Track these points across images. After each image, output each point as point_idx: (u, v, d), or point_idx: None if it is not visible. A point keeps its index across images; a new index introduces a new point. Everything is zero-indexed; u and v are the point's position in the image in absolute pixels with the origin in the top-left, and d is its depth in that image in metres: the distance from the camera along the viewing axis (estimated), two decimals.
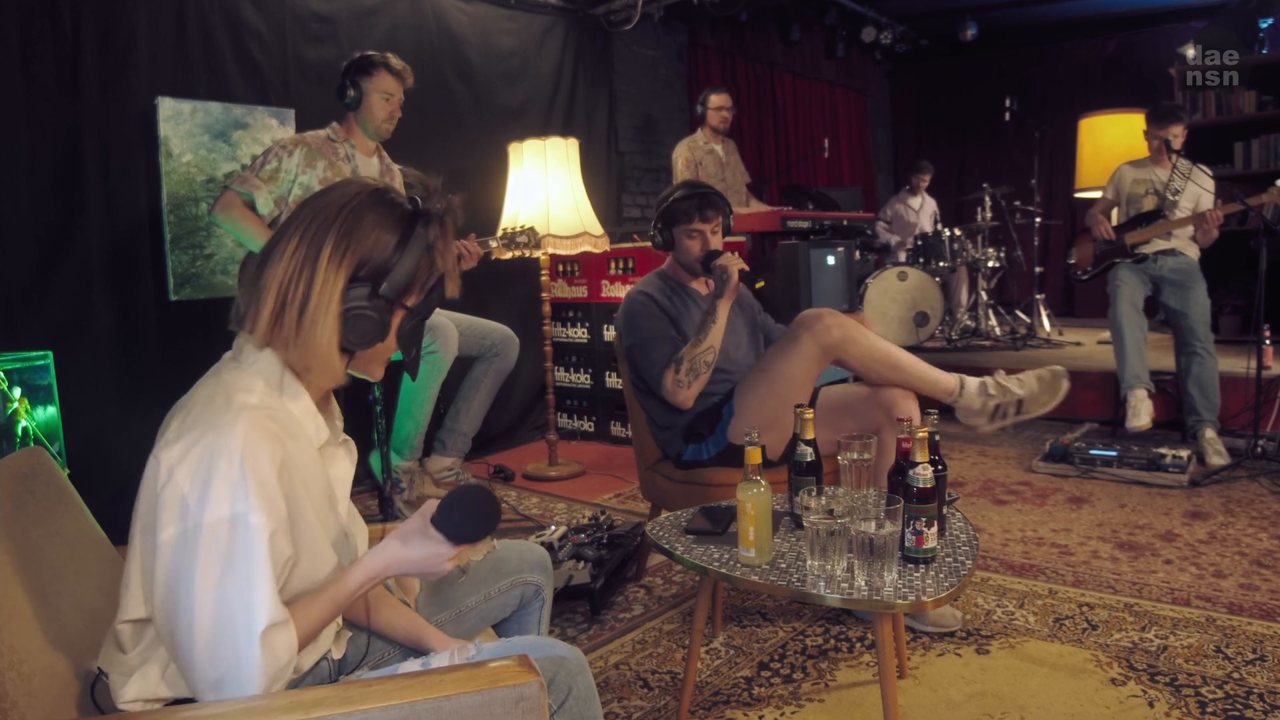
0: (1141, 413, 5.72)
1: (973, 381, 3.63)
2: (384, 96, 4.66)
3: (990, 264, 9.48)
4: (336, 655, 1.98)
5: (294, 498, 1.69)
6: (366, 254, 1.76)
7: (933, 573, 2.46)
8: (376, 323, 1.77)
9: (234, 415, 1.62)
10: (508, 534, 4.87)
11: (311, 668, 1.88)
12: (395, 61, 4.69)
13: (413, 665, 1.84)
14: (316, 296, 1.73)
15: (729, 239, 6.84)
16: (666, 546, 2.78)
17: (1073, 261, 6.67)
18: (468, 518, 1.80)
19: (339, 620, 1.99)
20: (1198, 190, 6.09)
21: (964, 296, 10.31)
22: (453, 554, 1.81)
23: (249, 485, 1.58)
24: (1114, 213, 6.48)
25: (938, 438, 2.74)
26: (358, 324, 1.76)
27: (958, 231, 9.42)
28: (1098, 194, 6.79)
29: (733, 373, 3.90)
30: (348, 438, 2.02)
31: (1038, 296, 9.79)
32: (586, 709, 1.81)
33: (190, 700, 1.67)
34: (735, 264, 3.77)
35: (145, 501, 1.64)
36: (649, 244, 6.82)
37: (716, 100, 7.68)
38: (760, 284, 3.92)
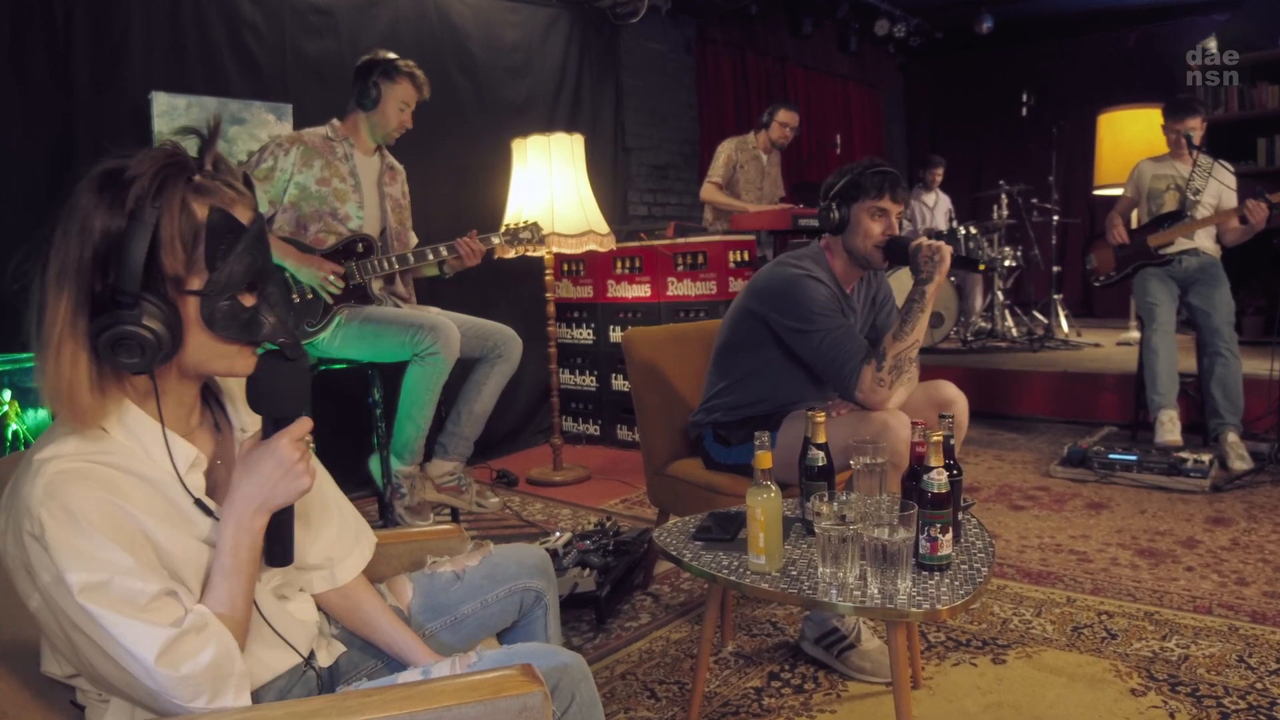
0: (1174, 429, 5.70)
1: None
2: (401, 105, 4.66)
3: (1007, 263, 9.46)
4: (325, 664, 1.98)
5: (148, 533, 1.55)
6: (100, 251, 1.52)
7: (948, 580, 2.46)
8: (142, 334, 1.51)
9: (36, 470, 1.47)
10: (513, 540, 4.88)
11: (288, 671, 1.85)
12: (419, 73, 4.70)
13: (413, 675, 1.83)
14: (48, 328, 1.51)
15: (738, 237, 6.85)
16: (674, 553, 2.78)
17: (1092, 267, 6.64)
18: (274, 391, 1.66)
19: (326, 627, 1.99)
20: (1219, 187, 6.07)
21: (979, 297, 10.29)
22: (296, 448, 1.66)
23: (50, 548, 1.43)
24: (1135, 212, 6.48)
25: (953, 441, 2.74)
26: (117, 345, 1.51)
27: (973, 229, 9.41)
28: (1117, 191, 6.78)
29: (791, 402, 3.72)
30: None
31: (1055, 297, 9.77)
32: (590, 717, 1.81)
33: None
34: (946, 247, 3.42)
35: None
36: (656, 243, 6.82)
37: (785, 116, 7.84)
38: (982, 266, 3.76)
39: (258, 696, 1.74)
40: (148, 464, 1.60)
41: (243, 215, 1.66)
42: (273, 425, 1.68)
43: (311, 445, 1.72)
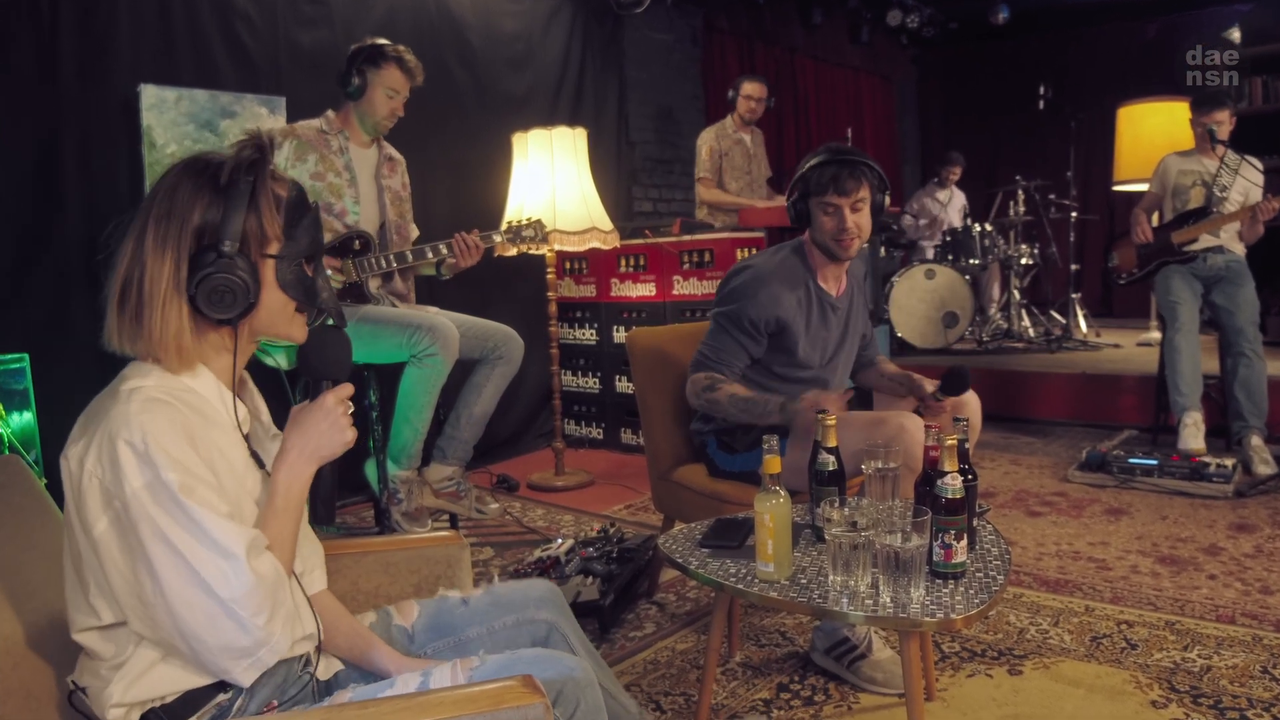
0: (1198, 435, 5.69)
1: None
2: (389, 93, 4.64)
3: (1023, 261, 9.46)
4: (324, 676, 1.99)
5: (212, 468, 1.74)
6: (199, 224, 1.78)
7: (962, 589, 2.46)
8: (233, 283, 1.77)
9: (126, 396, 1.70)
10: (513, 547, 4.88)
11: (289, 662, 1.88)
12: (409, 57, 4.66)
13: (411, 680, 1.84)
14: (149, 285, 1.77)
15: (746, 234, 6.85)
16: (680, 561, 2.78)
17: (1115, 265, 6.63)
18: (325, 356, 1.95)
19: (321, 642, 2.00)
20: (1246, 184, 6.07)
21: (995, 295, 10.30)
22: (341, 405, 1.92)
23: (150, 449, 1.63)
24: (1160, 209, 6.47)
25: (967, 445, 2.74)
26: (213, 292, 1.76)
27: (989, 227, 9.40)
28: (1137, 187, 6.78)
29: (810, 379, 3.74)
30: (279, 434, 2.04)
31: (1074, 296, 9.76)
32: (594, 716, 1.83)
33: (199, 690, 1.75)
34: (806, 420, 3.28)
35: (70, 505, 1.70)
36: (661, 240, 6.83)
37: (749, 88, 7.71)
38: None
39: (255, 684, 1.78)
40: (212, 412, 1.83)
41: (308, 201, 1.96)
42: (320, 387, 1.94)
43: (350, 409, 1.94)
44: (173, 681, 1.74)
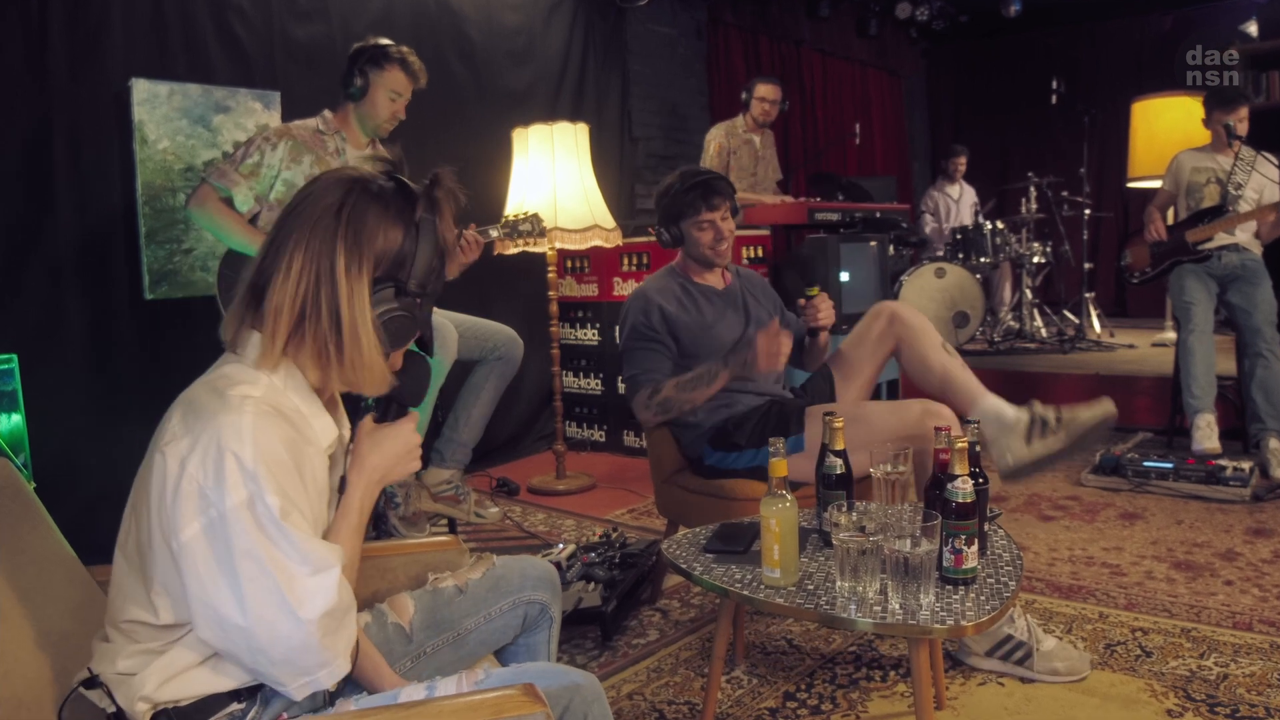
0: (1212, 436, 5.68)
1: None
2: (391, 95, 4.63)
3: (1035, 260, 9.45)
4: (332, 687, 1.99)
5: (299, 488, 1.77)
6: (380, 253, 1.82)
7: (973, 595, 2.46)
8: (410, 320, 1.85)
9: (239, 403, 1.70)
10: (512, 553, 4.88)
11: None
12: (413, 59, 4.65)
13: (416, 691, 1.84)
14: (347, 311, 1.78)
15: (751, 231, 6.86)
16: (684, 566, 2.78)
17: (1127, 263, 6.62)
18: (410, 383, 1.99)
19: None
20: (1263, 181, 6.06)
21: (1007, 295, 10.29)
22: (415, 433, 2.00)
23: (259, 468, 1.65)
24: (1173, 208, 6.46)
25: (978, 448, 2.74)
26: (394, 327, 1.83)
27: (1000, 224, 9.39)
28: (1152, 183, 6.78)
29: (746, 385, 3.93)
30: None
31: (1087, 295, 9.75)
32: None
33: (214, 697, 1.78)
34: (763, 358, 3.65)
35: (155, 499, 1.69)
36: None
37: (764, 90, 7.66)
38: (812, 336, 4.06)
39: (271, 694, 1.82)
40: (307, 430, 1.85)
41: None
42: (395, 411, 2.00)
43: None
44: (204, 684, 1.76)
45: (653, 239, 6.81)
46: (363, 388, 1.87)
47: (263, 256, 1.85)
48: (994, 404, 3.62)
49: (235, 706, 1.79)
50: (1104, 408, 3.49)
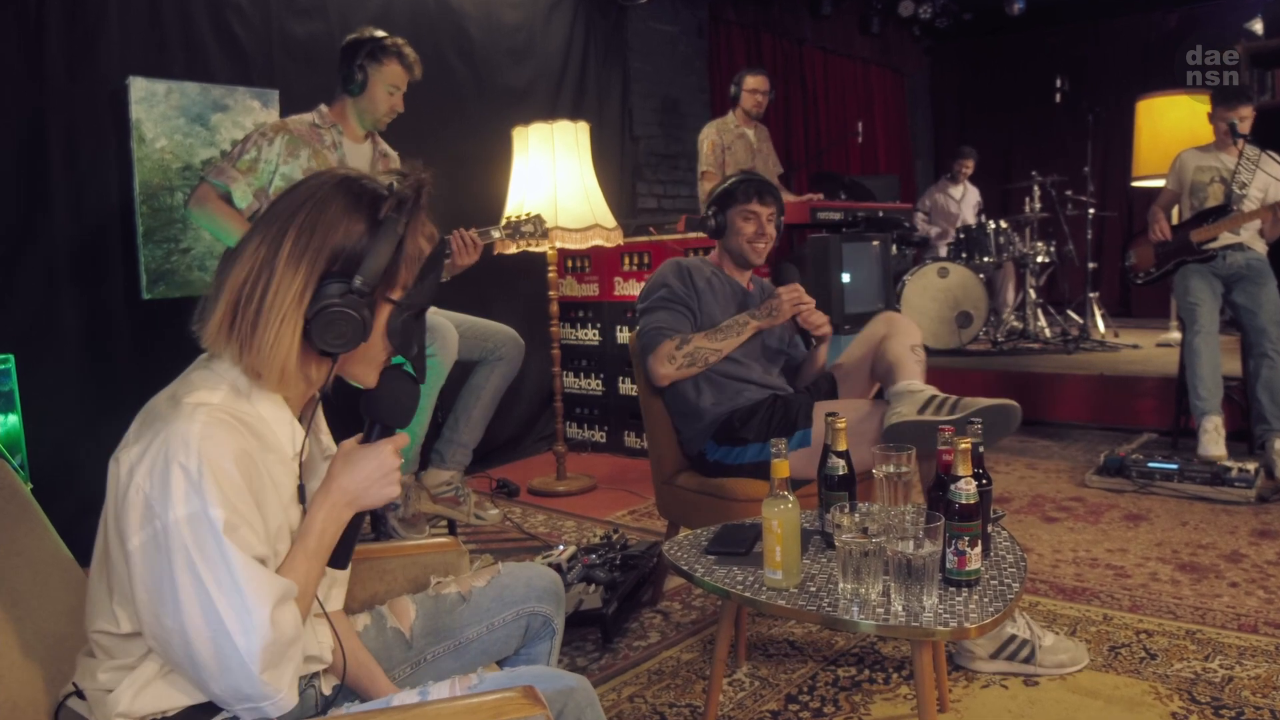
0: (1219, 441, 5.67)
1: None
2: (390, 89, 4.63)
3: (1039, 259, 9.46)
4: (325, 691, 1.99)
5: (260, 498, 1.73)
6: (337, 246, 1.76)
7: (976, 597, 2.46)
8: (353, 320, 1.75)
9: (190, 411, 1.67)
10: (512, 555, 4.88)
11: (301, 689, 1.89)
12: (409, 51, 4.66)
13: (409, 697, 1.84)
14: (272, 297, 1.73)
15: None
16: (685, 568, 2.78)
17: (1131, 264, 6.62)
18: (393, 403, 1.91)
19: (324, 659, 1.99)
20: (1267, 179, 6.05)
21: (1010, 295, 10.29)
22: (396, 458, 1.90)
23: (205, 481, 1.61)
24: (1177, 206, 6.46)
25: (982, 449, 2.73)
26: (331, 324, 1.74)
27: (1004, 224, 9.39)
28: (1157, 182, 6.76)
29: (750, 376, 4.00)
30: (332, 449, 2.04)
31: (1091, 295, 9.76)
32: None
33: (199, 707, 1.74)
34: (789, 306, 3.94)
35: (110, 506, 1.69)
36: (666, 238, 6.83)
37: (752, 82, 7.67)
38: (815, 344, 4.17)
39: None
40: (271, 437, 1.81)
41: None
42: (379, 432, 1.92)
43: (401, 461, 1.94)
44: (177, 697, 1.74)
45: (653, 238, 6.85)
46: (269, 383, 1.78)
47: (235, 247, 1.82)
48: (914, 383, 3.65)
49: (221, 717, 1.76)
50: (1005, 400, 3.49)
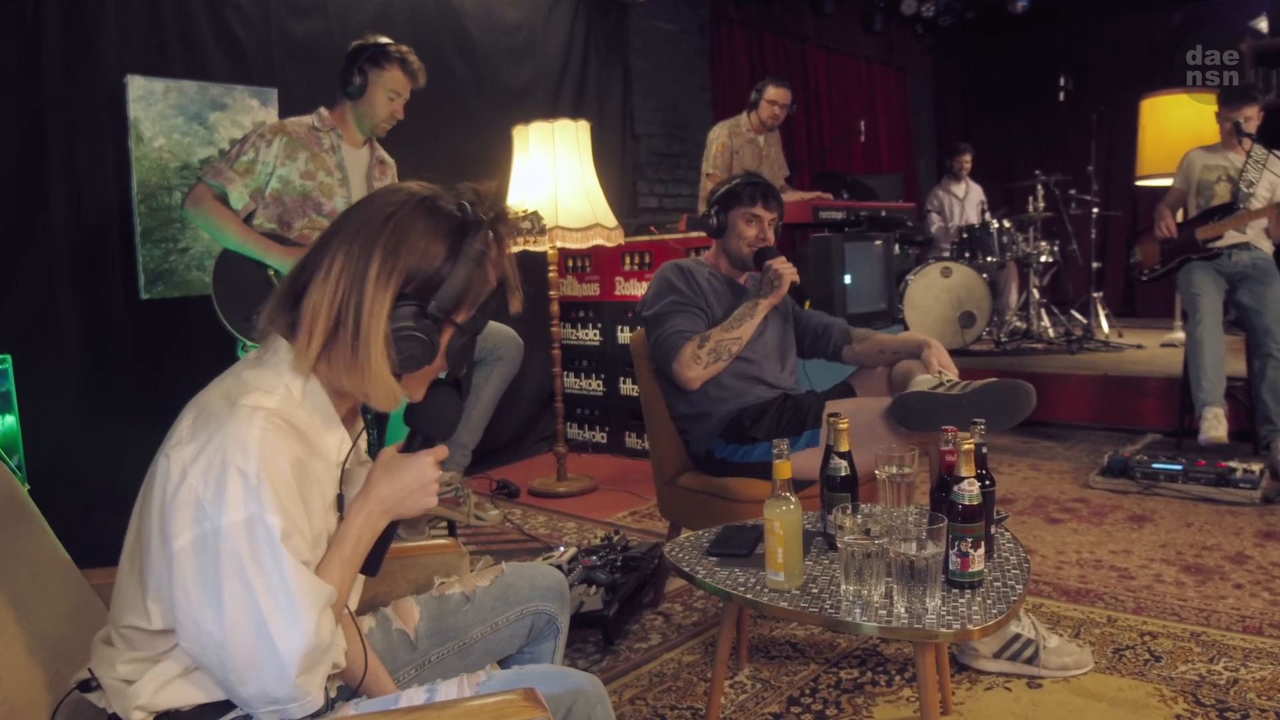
0: (1219, 426, 5.66)
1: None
2: (390, 95, 4.62)
3: (1043, 259, 9.45)
4: (331, 693, 1.99)
5: (307, 505, 1.76)
6: (415, 267, 1.79)
7: (979, 598, 2.45)
8: (425, 344, 1.79)
9: (249, 414, 1.68)
10: (512, 556, 4.88)
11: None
12: (413, 58, 4.65)
13: (417, 695, 1.84)
14: (367, 318, 1.76)
15: None
16: (687, 570, 2.78)
17: (1136, 260, 6.62)
18: (438, 416, 1.94)
19: (342, 663, 2.00)
20: (1274, 179, 6.05)
21: (1014, 295, 10.28)
22: (435, 469, 1.91)
23: (263, 486, 1.64)
24: (1184, 205, 6.46)
25: (985, 450, 2.73)
26: (405, 346, 1.78)
27: (1007, 223, 9.38)
28: (1161, 181, 6.76)
29: (762, 375, 4.01)
30: (369, 459, 2.04)
31: (1095, 295, 9.76)
32: None
33: (212, 705, 1.76)
34: (788, 271, 3.97)
35: (157, 503, 1.69)
36: (667, 237, 6.83)
37: (774, 93, 7.52)
38: (808, 305, 4.18)
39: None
40: (319, 443, 1.84)
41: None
42: (420, 442, 1.94)
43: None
44: (196, 694, 1.76)
45: (654, 238, 6.84)
46: (370, 399, 1.83)
47: (309, 254, 1.84)
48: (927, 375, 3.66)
49: (236, 710, 1.77)
50: (1018, 380, 3.49)
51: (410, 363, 1.79)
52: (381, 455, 1.93)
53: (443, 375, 1.96)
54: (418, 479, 1.88)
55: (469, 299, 1.85)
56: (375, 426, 1.87)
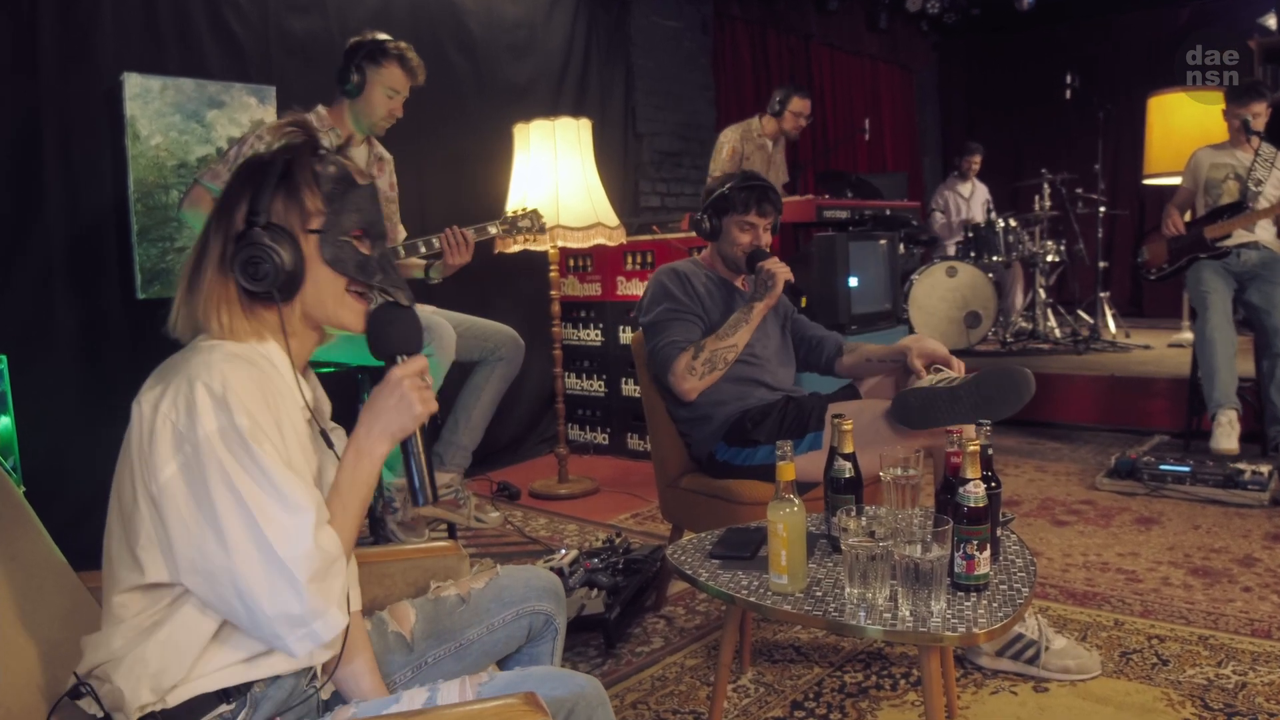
0: (1232, 435, 5.66)
1: None
2: (388, 92, 4.59)
3: (1049, 258, 9.46)
4: (325, 696, 1.99)
5: (281, 430, 1.83)
6: (245, 210, 1.90)
7: (985, 602, 2.45)
8: (267, 251, 1.86)
9: (208, 349, 1.82)
10: (513, 559, 4.88)
11: (296, 675, 1.91)
12: (411, 55, 4.62)
13: (418, 695, 1.86)
14: (206, 265, 1.90)
15: None
16: (689, 572, 2.77)
17: (1144, 259, 6.62)
18: (388, 333, 1.98)
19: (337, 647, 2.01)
20: None
21: (1020, 295, 10.28)
22: (411, 377, 1.92)
23: (229, 394, 1.73)
24: (1194, 204, 6.45)
25: (991, 451, 2.73)
26: (247, 263, 1.85)
27: (1013, 222, 9.38)
28: (1168, 180, 6.75)
29: (763, 378, 4.01)
30: (337, 426, 2.09)
31: (1101, 295, 9.76)
32: None
33: (201, 699, 1.78)
34: (782, 271, 3.91)
35: (135, 450, 1.75)
36: (669, 236, 6.82)
37: (799, 105, 7.61)
38: (804, 302, 4.09)
39: (259, 697, 1.83)
40: (280, 381, 1.92)
41: (360, 179, 2.05)
42: (391, 364, 1.97)
43: (428, 383, 1.98)
44: (199, 672, 1.78)
45: (657, 237, 6.84)
46: (215, 330, 1.90)
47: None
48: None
49: (224, 708, 1.79)
50: (1014, 367, 3.48)
51: (265, 276, 1.86)
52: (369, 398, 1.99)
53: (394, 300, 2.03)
54: (390, 392, 1.91)
55: (301, 202, 1.94)
56: (377, 357, 1.90)
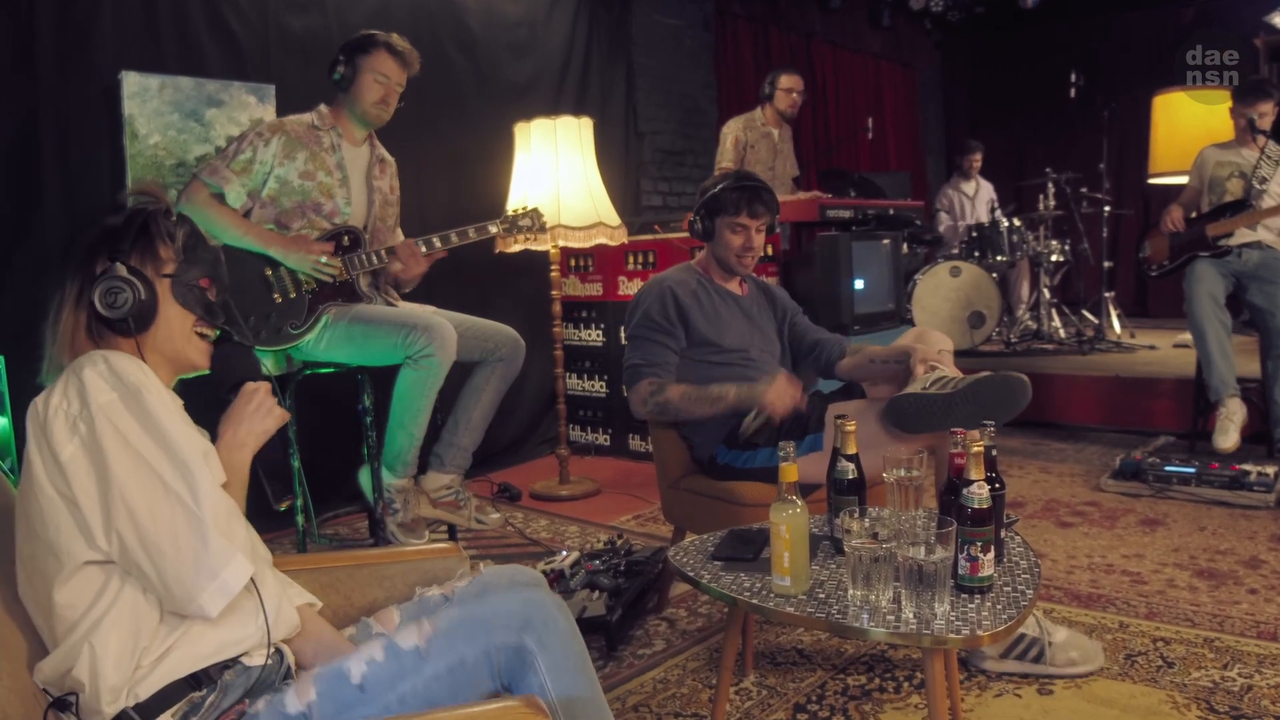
0: (1231, 430, 5.65)
1: None
2: (378, 77, 4.53)
3: (1054, 258, 9.44)
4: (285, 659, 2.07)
5: (161, 401, 1.97)
6: (110, 257, 2.10)
7: (989, 603, 2.45)
8: (121, 283, 2.04)
9: (93, 358, 1.96)
10: (514, 560, 4.87)
11: (279, 660, 2.02)
12: (399, 42, 4.58)
13: (376, 649, 1.96)
14: (61, 302, 2.13)
15: None
16: (691, 574, 2.78)
17: (1145, 255, 6.62)
18: (230, 366, 2.28)
19: (297, 624, 2.07)
20: None
21: (1024, 294, 10.27)
22: (259, 390, 2.21)
23: (118, 370, 1.93)
24: (1199, 204, 6.45)
25: (995, 452, 2.73)
26: (104, 294, 2.03)
27: (1017, 222, 9.37)
28: (1173, 180, 6.74)
29: (739, 360, 4.03)
30: (205, 430, 2.20)
31: (1107, 295, 9.75)
32: (570, 646, 1.99)
33: (172, 686, 1.85)
34: (779, 412, 3.68)
35: (33, 448, 1.88)
36: (671, 236, 6.83)
37: (788, 81, 7.56)
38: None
39: (229, 684, 1.91)
40: (160, 389, 2.04)
41: (211, 240, 2.29)
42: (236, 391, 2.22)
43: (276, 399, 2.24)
44: (156, 678, 1.83)
45: (659, 237, 6.84)
46: (64, 358, 2.08)
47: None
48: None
49: (194, 694, 1.85)
50: (1011, 373, 3.48)
51: (122, 300, 2.04)
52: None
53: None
54: (245, 402, 2.18)
55: (154, 248, 2.14)
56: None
